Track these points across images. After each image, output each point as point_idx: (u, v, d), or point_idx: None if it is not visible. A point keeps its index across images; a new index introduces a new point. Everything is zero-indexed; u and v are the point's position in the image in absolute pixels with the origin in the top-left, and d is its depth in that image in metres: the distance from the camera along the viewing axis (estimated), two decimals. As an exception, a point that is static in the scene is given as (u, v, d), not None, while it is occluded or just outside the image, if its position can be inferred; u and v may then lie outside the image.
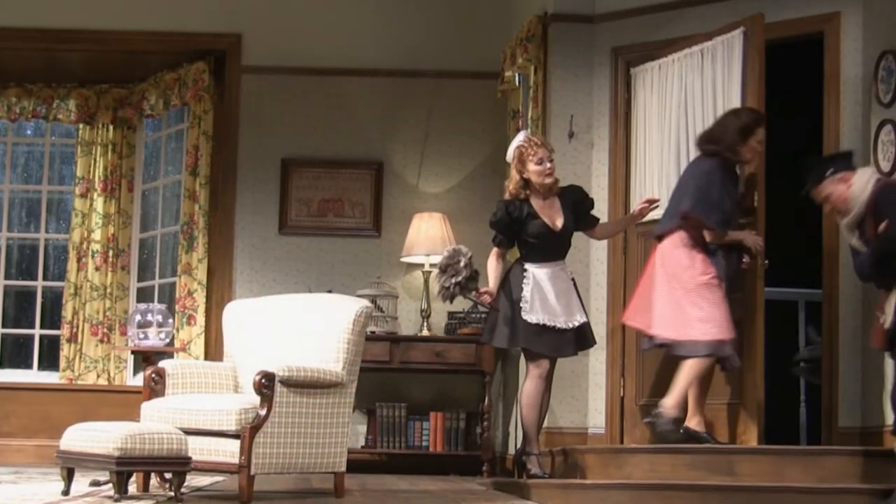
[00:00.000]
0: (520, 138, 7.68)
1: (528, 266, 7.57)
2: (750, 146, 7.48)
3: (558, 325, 7.50)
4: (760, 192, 7.60)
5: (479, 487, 8.10)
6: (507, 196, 7.67)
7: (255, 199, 10.35)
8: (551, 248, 7.61)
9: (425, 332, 9.88)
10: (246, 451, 6.43)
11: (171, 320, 9.54)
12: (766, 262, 7.53)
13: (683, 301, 7.29)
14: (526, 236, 7.53)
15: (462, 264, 7.58)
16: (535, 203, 7.58)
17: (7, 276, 11.05)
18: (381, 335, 9.72)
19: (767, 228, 7.70)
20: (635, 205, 8.16)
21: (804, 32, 8.04)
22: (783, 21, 8.06)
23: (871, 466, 6.79)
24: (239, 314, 7.51)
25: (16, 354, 11.05)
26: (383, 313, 9.87)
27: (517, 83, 9.67)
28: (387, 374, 9.93)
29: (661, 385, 7.83)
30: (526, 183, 7.58)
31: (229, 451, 6.51)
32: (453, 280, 7.58)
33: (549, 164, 7.56)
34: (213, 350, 10.05)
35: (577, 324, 7.58)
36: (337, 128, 10.40)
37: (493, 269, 7.60)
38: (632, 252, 8.50)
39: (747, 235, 7.50)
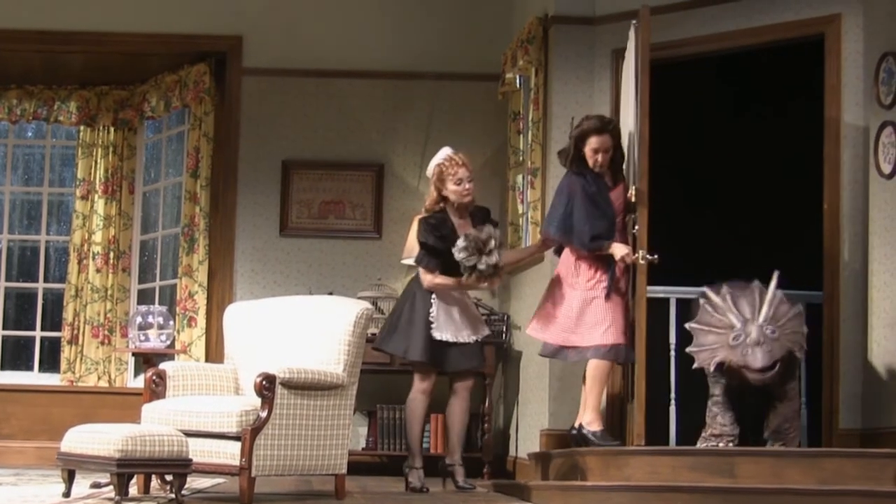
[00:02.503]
0: (440, 156, 7.81)
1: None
2: (588, 156, 7.60)
3: (461, 340, 7.68)
4: (643, 185, 7.51)
5: (480, 489, 8.09)
6: (424, 210, 7.85)
7: (256, 200, 10.35)
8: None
9: (426, 334, 9.87)
10: (247, 452, 6.43)
11: (171, 322, 9.54)
12: (655, 256, 7.44)
13: (575, 309, 7.52)
14: (448, 255, 7.59)
15: (493, 245, 7.57)
16: (454, 220, 7.74)
17: (8, 278, 11.06)
18: (382, 337, 9.70)
19: (770, 229, 7.70)
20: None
21: (804, 35, 8.03)
22: (784, 23, 8.06)
23: (872, 468, 6.79)
24: (240, 316, 7.51)
25: (17, 356, 11.05)
26: (384, 315, 9.86)
27: (518, 85, 9.67)
28: (387, 376, 9.91)
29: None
30: (443, 199, 7.72)
31: (230, 452, 6.51)
32: (487, 260, 7.54)
33: (468, 185, 7.71)
34: (214, 352, 10.05)
35: (483, 336, 7.82)
36: (337, 130, 10.40)
37: (444, 279, 7.67)
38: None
39: (617, 249, 7.46)
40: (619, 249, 7.45)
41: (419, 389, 7.73)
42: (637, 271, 7.44)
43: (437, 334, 7.61)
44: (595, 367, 7.49)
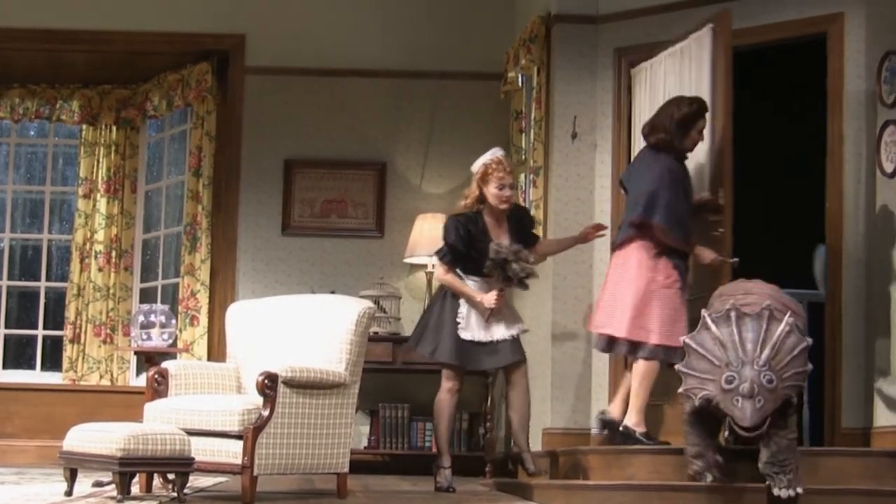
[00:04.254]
0: (490, 155, 7.73)
1: (467, 282, 7.66)
2: (691, 138, 7.43)
3: (496, 338, 7.59)
4: (727, 189, 7.53)
5: (482, 488, 8.10)
6: (462, 205, 7.75)
7: (258, 199, 10.35)
8: None
9: (428, 333, 9.87)
10: (249, 451, 6.43)
11: (174, 321, 9.53)
12: (736, 259, 7.46)
13: (643, 304, 7.30)
14: (474, 253, 7.56)
15: (527, 259, 7.51)
16: (488, 220, 7.66)
17: (10, 277, 11.07)
18: (384, 336, 9.72)
19: (766, 230, 7.68)
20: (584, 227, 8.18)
21: (807, 33, 8.02)
22: (786, 22, 8.05)
23: (875, 467, 6.78)
24: (242, 315, 7.51)
25: (19, 355, 11.06)
26: (386, 314, 9.87)
27: (520, 84, 9.67)
28: (389, 375, 9.93)
29: (664, 386, 7.82)
30: (482, 199, 7.64)
31: (232, 451, 6.51)
32: (521, 267, 7.51)
33: (508, 192, 7.63)
34: (216, 351, 10.06)
35: (516, 333, 7.69)
36: (340, 128, 10.40)
37: (455, 280, 7.63)
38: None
39: (706, 253, 7.42)
40: (707, 254, 7.38)
41: (446, 389, 7.69)
42: (721, 275, 7.39)
43: (466, 335, 7.56)
44: (645, 368, 7.30)
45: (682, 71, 7.97)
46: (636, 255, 7.35)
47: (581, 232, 8.06)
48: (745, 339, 6.22)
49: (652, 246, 7.31)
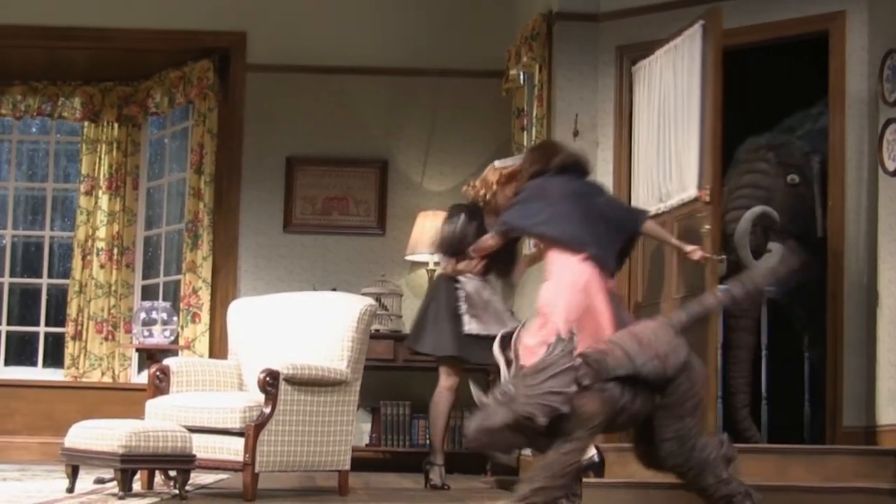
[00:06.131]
0: (516, 161, 7.73)
1: (460, 278, 7.69)
2: None
3: (493, 333, 7.50)
4: (715, 186, 7.48)
5: (483, 486, 8.10)
6: (473, 195, 7.80)
7: (260, 197, 10.36)
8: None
9: (429, 331, 9.88)
10: (250, 448, 6.43)
11: (175, 318, 9.54)
12: (723, 257, 7.38)
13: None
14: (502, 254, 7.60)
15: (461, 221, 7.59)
16: (487, 220, 7.70)
17: (12, 274, 11.07)
18: (386, 333, 9.73)
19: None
20: None
21: (809, 31, 8.02)
22: (788, 20, 8.05)
23: (876, 466, 6.78)
24: (243, 312, 7.52)
25: (20, 352, 11.06)
26: (388, 311, 9.87)
27: (522, 82, 9.66)
28: (391, 373, 9.93)
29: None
30: (493, 196, 7.66)
31: (233, 448, 6.52)
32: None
33: None
34: (218, 348, 10.06)
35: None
36: (341, 126, 10.40)
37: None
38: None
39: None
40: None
41: (445, 386, 7.75)
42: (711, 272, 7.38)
43: (468, 328, 7.59)
44: None
45: (675, 68, 7.96)
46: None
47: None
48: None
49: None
